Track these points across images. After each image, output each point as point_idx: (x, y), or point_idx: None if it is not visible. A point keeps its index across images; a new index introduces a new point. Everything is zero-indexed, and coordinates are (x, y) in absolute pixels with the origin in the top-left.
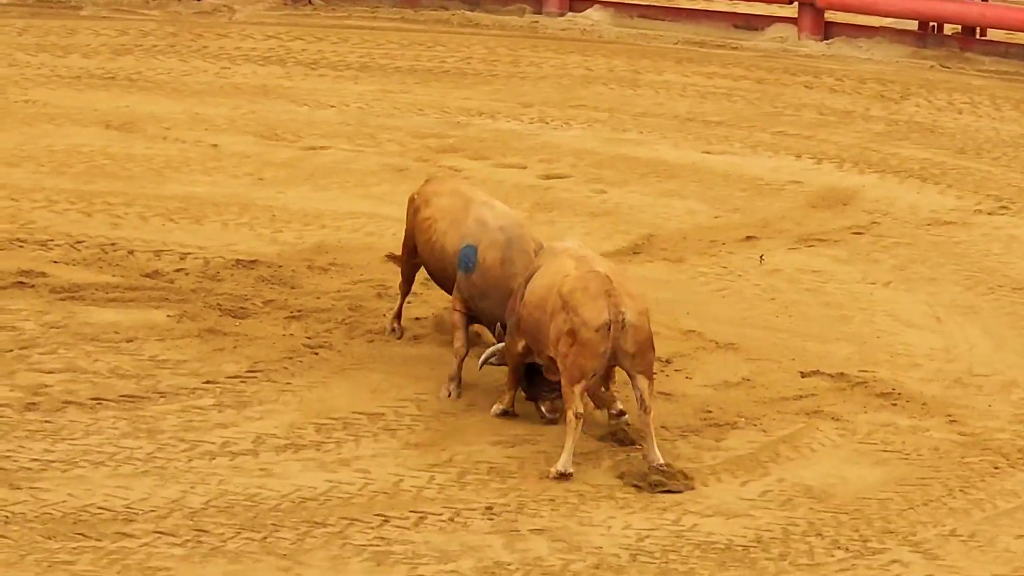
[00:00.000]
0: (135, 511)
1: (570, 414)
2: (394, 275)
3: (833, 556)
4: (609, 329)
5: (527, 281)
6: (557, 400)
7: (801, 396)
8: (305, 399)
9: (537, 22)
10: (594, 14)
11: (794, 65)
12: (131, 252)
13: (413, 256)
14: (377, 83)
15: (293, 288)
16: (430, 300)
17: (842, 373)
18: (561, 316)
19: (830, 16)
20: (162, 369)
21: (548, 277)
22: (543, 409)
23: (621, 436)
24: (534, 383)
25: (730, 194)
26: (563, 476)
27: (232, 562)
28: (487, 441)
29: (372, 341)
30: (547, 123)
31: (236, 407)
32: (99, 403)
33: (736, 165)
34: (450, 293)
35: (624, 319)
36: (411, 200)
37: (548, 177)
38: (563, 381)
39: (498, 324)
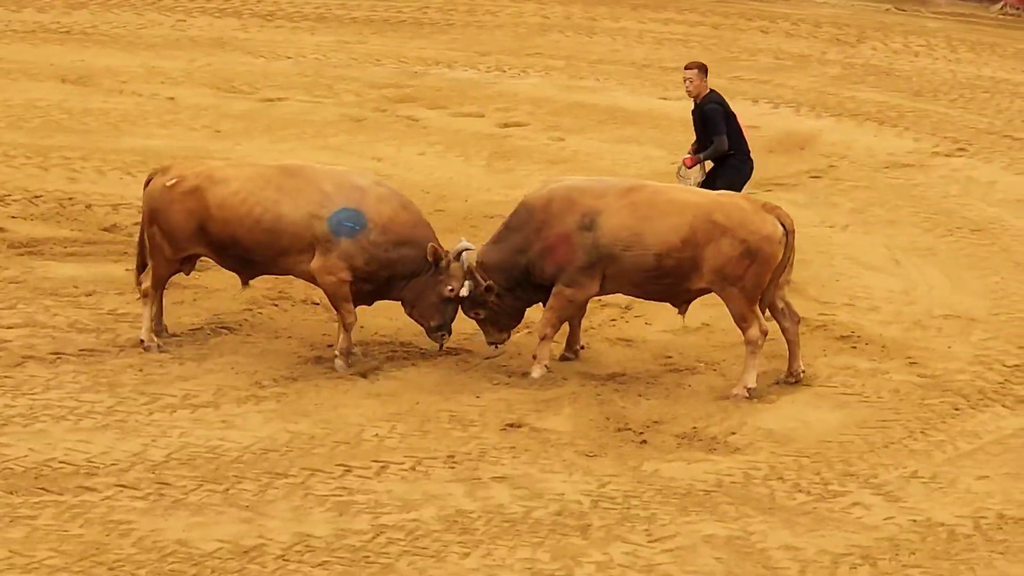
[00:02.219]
0: (96, 465)
1: (757, 332)
2: None
3: (795, 499)
4: (785, 239)
5: (588, 226)
6: (510, 334)
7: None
8: (265, 351)
9: None
10: None
11: (750, 10)
12: (89, 206)
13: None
14: (334, 34)
15: None
16: None
17: (801, 317)
18: (726, 241)
19: None
20: (121, 323)
21: (663, 219)
22: (497, 339)
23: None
24: (506, 311)
25: (688, 140)
26: (751, 392)
27: (194, 514)
28: (448, 390)
29: None
30: (504, 71)
31: (196, 360)
32: (59, 357)
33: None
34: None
35: (791, 227)
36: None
37: (506, 125)
38: (740, 302)
39: (432, 244)
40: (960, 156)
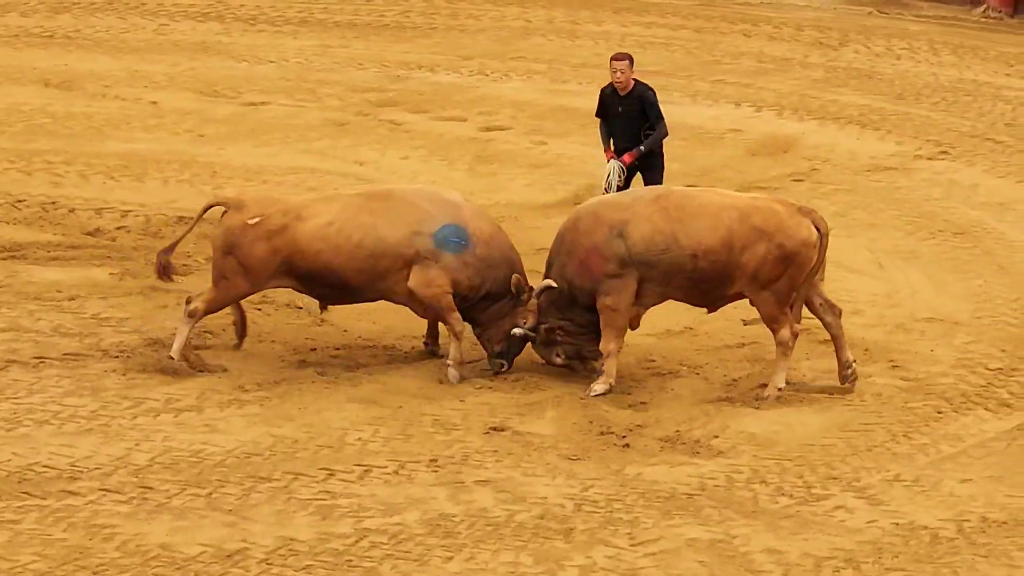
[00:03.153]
0: (80, 469)
1: (788, 333)
2: None
3: (777, 503)
4: (819, 242)
5: (619, 235)
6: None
7: (743, 344)
8: (248, 355)
9: None
10: None
11: (732, 13)
12: (72, 210)
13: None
14: (316, 38)
15: None
16: None
17: None
18: (762, 245)
19: None
20: (105, 327)
21: (697, 221)
22: (557, 360)
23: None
24: (567, 332)
25: (670, 143)
26: (781, 393)
27: (177, 518)
28: (431, 394)
29: None
30: (487, 75)
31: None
32: (42, 361)
33: (676, 114)
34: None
35: (826, 231)
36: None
37: (488, 129)
38: (772, 305)
39: (516, 275)
40: (942, 159)
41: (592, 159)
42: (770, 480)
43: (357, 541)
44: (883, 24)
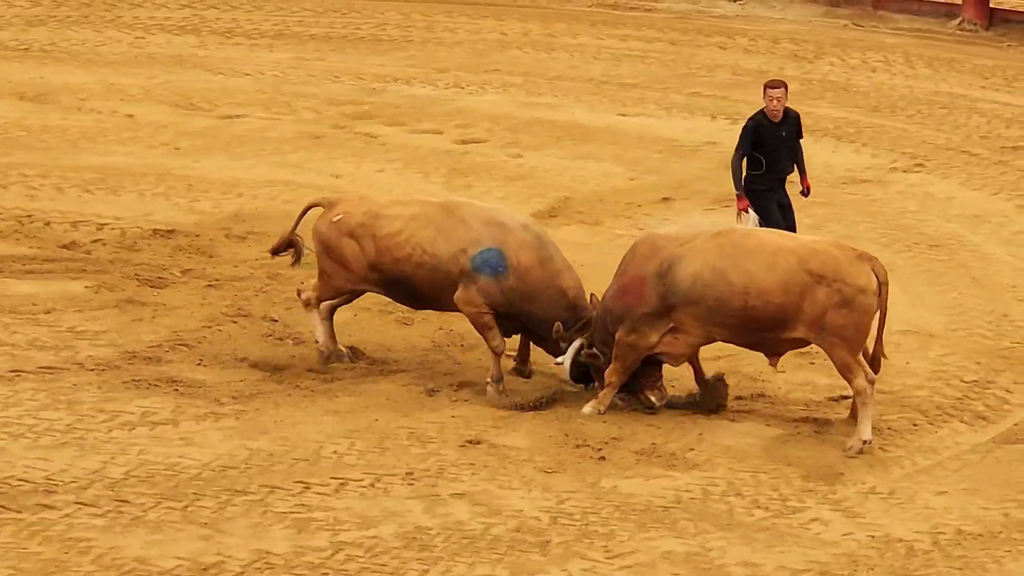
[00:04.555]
0: (55, 482)
1: (864, 382)
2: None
3: (753, 515)
4: (880, 289)
5: (664, 273)
6: (662, 386)
7: (719, 356)
8: (224, 368)
9: None
10: None
11: (708, 26)
12: (48, 223)
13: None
14: (292, 51)
15: (211, 257)
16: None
17: None
18: (822, 291)
19: None
20: (81, 340)
21: (752, 260)
22: (651, 398)
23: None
24: (637, 374)
25: (646, 156)
26: (867, 445)
27: (153, 532)
28: (407, 407)
29: (290, 308)
30: (462, 88)
31: (155, 377)
32: (17, 375)
33: (651, 127)
34: (414, 307)
35: (885, 279)
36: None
37: (464, 142)
38: (842, 354)
39: (558, 323)
40: (918, 172)
41: (567, 171)
42: (745, 493)
43: (333, 554)
44: (859, 37)
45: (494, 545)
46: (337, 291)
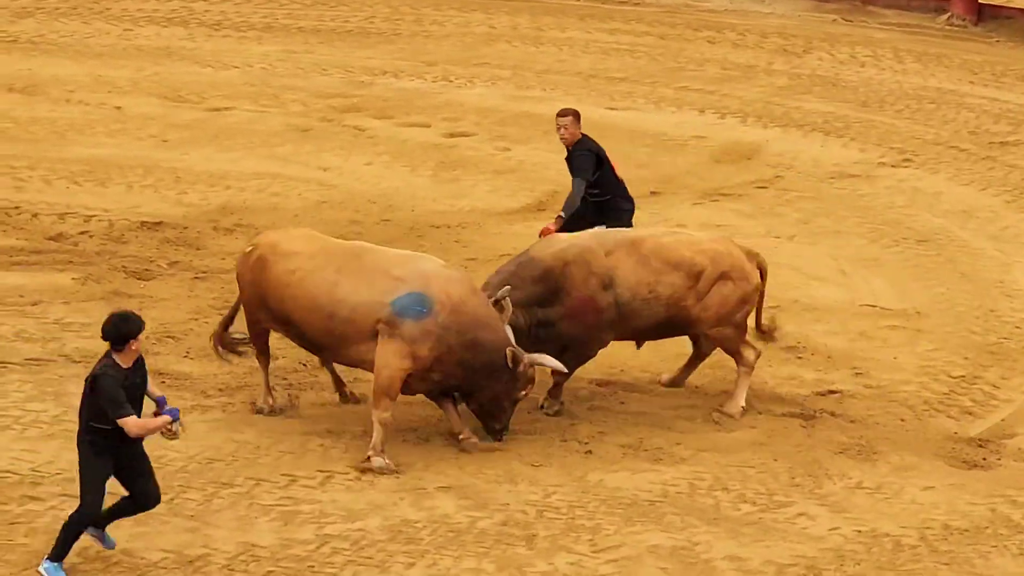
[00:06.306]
0: (42, 474)
1: (750, 357)
2: None
3: (740, 510)
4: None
5: (603, 282)
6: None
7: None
8: (211, 360)
9: None
10: None
11: (696, 20)
12: (35, 215)
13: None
14: (280, 43)
15: (198, 249)
16: None
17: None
18: (728, 285)
19: None
20: (67, 332)
21: (678, 251)
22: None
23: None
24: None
25: (634, 150)
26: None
27: (139, 524)
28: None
29: None
30: (451, 81)
31: None
32: (4, 367)
33: (640, 121)
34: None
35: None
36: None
37: (452, 135)
38: (736, 340)
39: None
40: (906, 167)
41: (555, 165)
42: (732, 487)
43: (319, 547)
44: (848, 32)
45: (480, 538)
46: (257, 325)
